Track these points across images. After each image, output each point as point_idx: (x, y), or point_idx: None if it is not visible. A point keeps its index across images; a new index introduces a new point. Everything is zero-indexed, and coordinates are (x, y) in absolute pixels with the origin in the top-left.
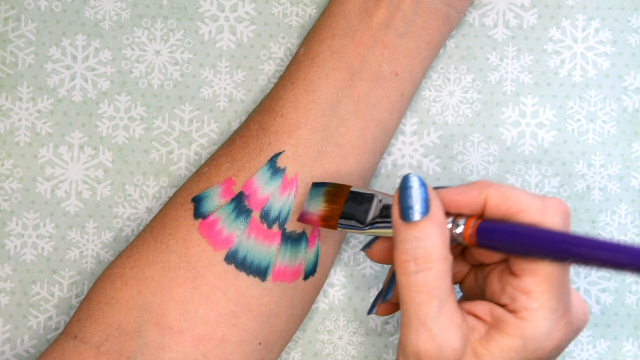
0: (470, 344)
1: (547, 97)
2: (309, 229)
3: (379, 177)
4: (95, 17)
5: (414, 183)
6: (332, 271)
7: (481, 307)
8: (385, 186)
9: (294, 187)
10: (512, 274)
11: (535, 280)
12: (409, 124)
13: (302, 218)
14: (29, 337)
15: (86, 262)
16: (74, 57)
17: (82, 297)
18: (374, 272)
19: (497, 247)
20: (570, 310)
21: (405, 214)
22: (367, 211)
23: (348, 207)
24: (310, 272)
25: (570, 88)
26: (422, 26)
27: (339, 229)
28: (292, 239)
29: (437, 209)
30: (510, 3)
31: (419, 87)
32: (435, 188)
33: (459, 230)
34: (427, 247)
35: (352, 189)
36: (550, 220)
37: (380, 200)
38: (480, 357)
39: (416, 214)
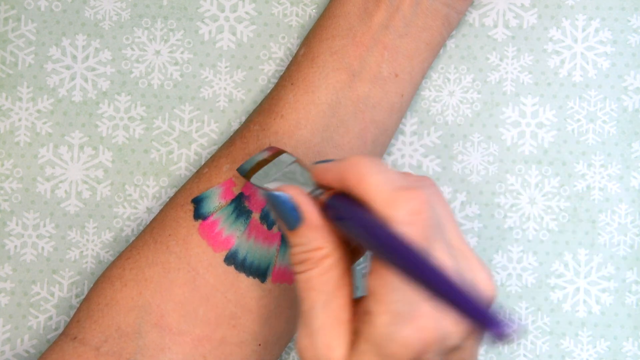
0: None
1: (547, 97)
2: None
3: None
4: (95, 17)
5: (277, 198)
6: None
7: (361, 305)
8: None
9: None
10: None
11: (378, 281)
12: (409, 124)
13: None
14: (29, 337)
15: (86, 262)
16: (74, 57)
17: (82, 297)
18: None
19: (339, 226)
20: (429, 313)
21: (285, 224)
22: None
23: (269, 168)
24: None
25: (570, 88)
26: (422, 27)
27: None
28: None
29: (309, 213)
30: (510, 3)
31: (418, 88)
32: (317, 162)
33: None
34: (308, 252)
35: (283, 153)
36: (392, 216)
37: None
38: None
39: (291, 223)
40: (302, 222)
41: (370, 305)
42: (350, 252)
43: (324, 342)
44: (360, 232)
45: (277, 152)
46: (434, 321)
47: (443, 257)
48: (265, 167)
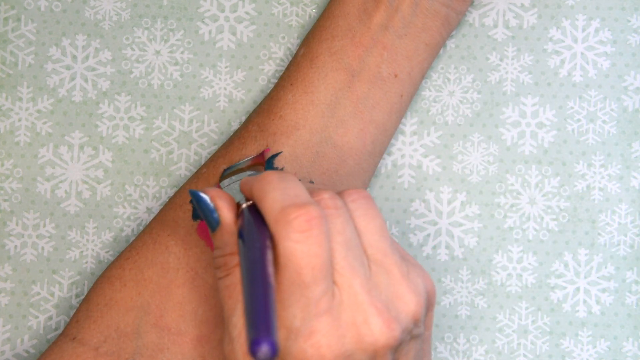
0: None
1: (547, 97)
2: None
3: (379, 177)
4: (95, 17)
5: (199, 197)
6: None
7: None
8: (385, 186)
9: None
10: None
11: (277, 297)
12: (409, 124)
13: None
14: (29, 337)
15: (86, 262)
16: (74, 57)
17: (82, 297)
18: None
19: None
20: (323, 329)
21: (208, 225)
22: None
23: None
24: None
25: (570, 88)
26: (421, 27)
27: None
28: None
29: (226, 218)
30: (510, 3)
31: (418, 88)
32: (251, 174)
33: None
34: (224, 256)
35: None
36: (277, 232)
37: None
38: None
39: (211, 225)
40: (219, 226)
41: None
42: None
43: (242, 349)
44: (247, 241)
45: (258, 162)
46: (331, 338)
47: (347, 273)
48: (236, 175)
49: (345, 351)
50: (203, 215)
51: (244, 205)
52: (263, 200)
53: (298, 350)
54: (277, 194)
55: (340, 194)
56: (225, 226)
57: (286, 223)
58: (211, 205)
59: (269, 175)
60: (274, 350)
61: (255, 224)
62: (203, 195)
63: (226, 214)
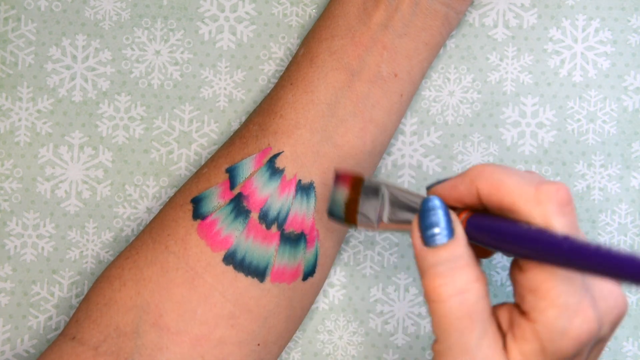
0: None
1: (547, 97)
2: (307, 230)
3: (378, 177)
4: (95, 17)
5: (436, 206)
6: (332, 271)
7: (501, 314)
8: None
9: (292, 187)
10: (519, 267)
11: (540, 276)
12: (409, 124)
13: (329, 218)
14: (29, 337)
15: (86, 262)
16: (74, 57)
17: (82, 297)
18: (373, 272)
19: (487, 244)
20: (590, 304)
21: (430, 239)
22: (380, 209)
23: (363, 203)
24: (309, 273)
25: (570, 88)
26: (421, 27)
27: (359, 227)
28: (290, 240)
29: (460, 230)
30: (510, 3)
31: (418, 88)
32: (430, 186)
33: None
34: (460, 268)
35: (364, 182)
36: (544, 211)
37: (384, 195)
38: None
39: (442, 238)
40: (454, 236)
41: (529, 304)
42: None
43: None
44: (508, 240)
45: (355, 182)
46: (595, 311)
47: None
48: (361, 205)
49: (601, 323)
50: (429, 225)
51: (468, 213)
52: (502, 190)
53: (573, 329)
54: (517, 178)
55: None
56: (460, 239)
57: (548, 200)
58: (452, 215)
59: (488, 166)
60: None
61: (504, 221)
62: (442, 203)
63: (459, 226)
